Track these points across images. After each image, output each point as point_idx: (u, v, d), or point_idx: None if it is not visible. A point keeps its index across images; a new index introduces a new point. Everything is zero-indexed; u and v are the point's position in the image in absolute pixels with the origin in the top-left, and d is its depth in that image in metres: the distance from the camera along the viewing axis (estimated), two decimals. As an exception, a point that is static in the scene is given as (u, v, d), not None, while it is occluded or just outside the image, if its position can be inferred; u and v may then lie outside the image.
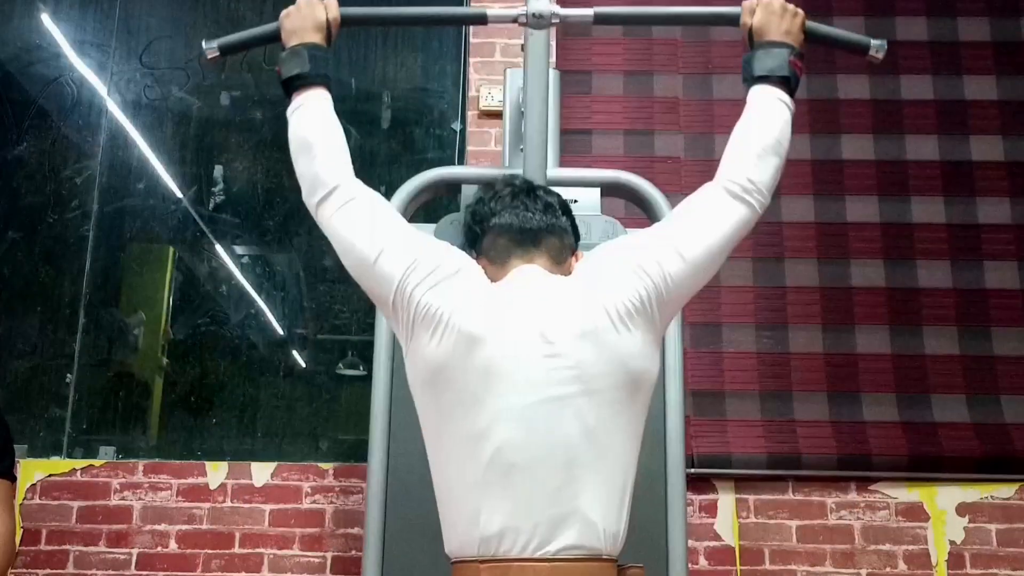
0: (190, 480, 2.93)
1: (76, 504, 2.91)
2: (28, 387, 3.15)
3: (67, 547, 2.87)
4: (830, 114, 3.21)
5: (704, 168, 3.13)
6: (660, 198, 2.39)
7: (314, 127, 1.55)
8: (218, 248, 3.32)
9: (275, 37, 1.68)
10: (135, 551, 2.87)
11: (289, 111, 1.60)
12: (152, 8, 3.51)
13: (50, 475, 2.94)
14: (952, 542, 2.86)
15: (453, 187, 2.45)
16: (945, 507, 2.88)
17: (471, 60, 3.30)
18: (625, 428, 1.35)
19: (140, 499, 2.92)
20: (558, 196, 1.55)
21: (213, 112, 3.43)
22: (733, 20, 1.69)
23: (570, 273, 1.48)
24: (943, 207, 3.14)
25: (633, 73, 3.26)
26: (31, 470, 2.94)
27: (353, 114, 3.41)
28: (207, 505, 2.91)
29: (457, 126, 3.34)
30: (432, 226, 2.33)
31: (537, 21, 1.93)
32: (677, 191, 3.08)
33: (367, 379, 2.63)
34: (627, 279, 1.38)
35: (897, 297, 3.05)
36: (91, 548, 2.87)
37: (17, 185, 3.35)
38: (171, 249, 3.32)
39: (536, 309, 1.36)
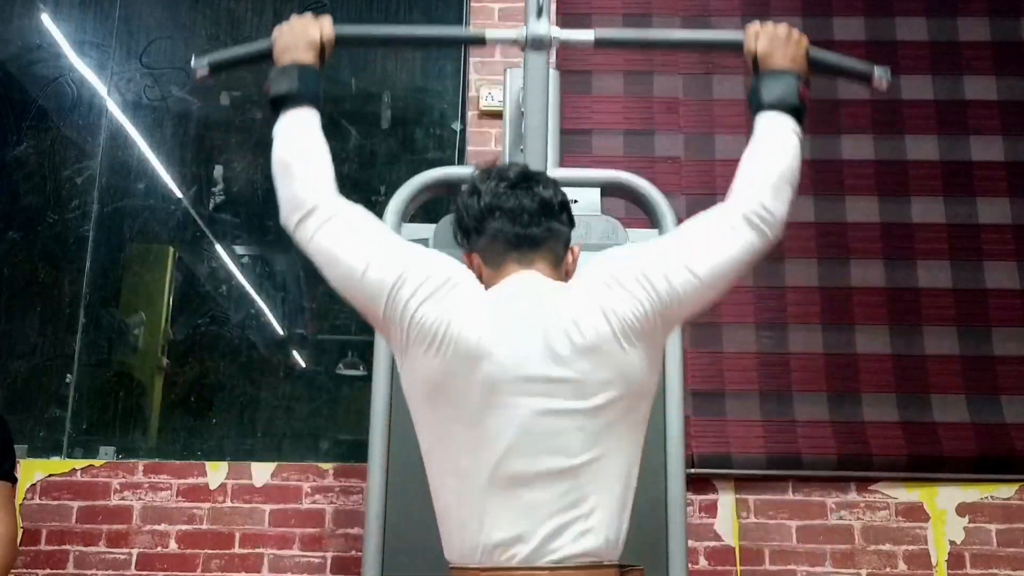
0: (190, 480, 2.93)
1: (76, 504, 2.91)
2: (28, 387, 3.15)
3: (67, 547, 2.87)
4: (830, 114, 3.21)
5: (704, 168, 3.15)
6: (660, 198, 2.39)
7: (295, 147, 1.51)
8: (218, 248, 3.32)
9: (267, 55, 1.65)
10: (135, 551, 2.87)
11: (275, 130, 1.55)
12: (152, 8, 3.51)
13: (50, 475, 2.94)
14: (952, 542, 2.86)
15: (453, 187, 2.45)
16: (945, 507, 2.88)
17: (471, 60, 3.30)
18: (626, 438, 1.34)
19: (140, 499, 2.92)
20: (554, 186, 1.47)
21: (213, 112, 3.43)
22: (736, 46, 1.68)
23: (568, 272, 1.46)
24: (943, 207, 3.13)
25: (633, 73, 3.26)
26: (31, 470, 2.94)
27: (353, 114, 3.41)
28: (207, 505, 2.91)
29: (457, 126, 3.34)
30: (432, 226, 2.33)
31: (537, 43, 1.92)
32: (677, 191, 3.08)
33: (367, 379, 2.63)
34: (633, 291, 1.35)
35: (897, 297, 3.05)
36: (91, 548, 2.87)
37: (17, 185, 3.35)
38: (171, 249, 3.32)
39: (537, 320, 1.33)
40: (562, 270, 1.45)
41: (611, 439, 1.31)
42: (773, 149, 1.50)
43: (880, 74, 1.73)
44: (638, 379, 1.34)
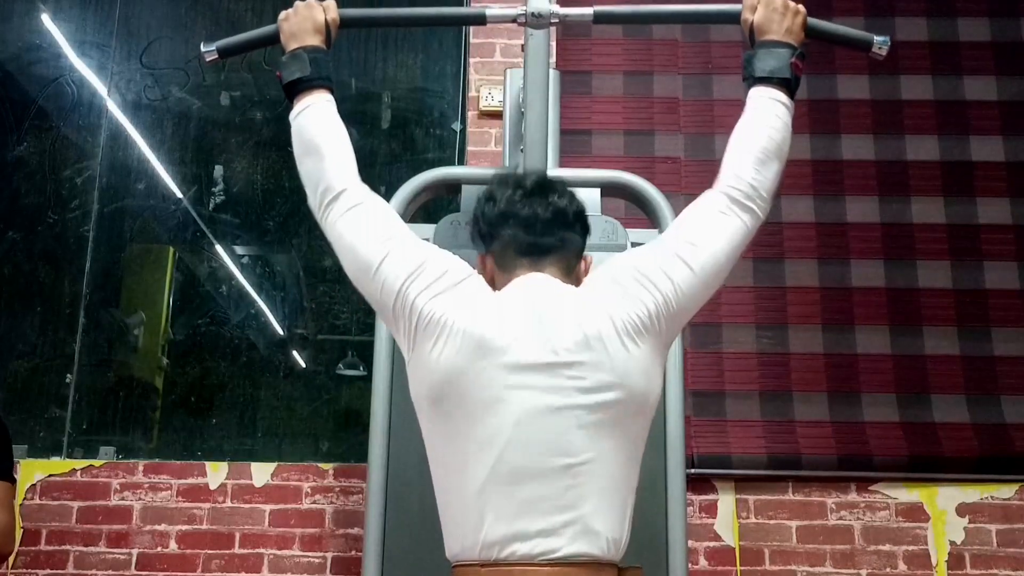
0: (190, 480, 2.93)
1: (76, 504, 2.91)
2: (28, 387, 3.15)
3: (67, 547, 2.87)
4: (830, 114, 3.21)
5: (704, 168, 3.14)
6: (660, 198, 2.39)
7: (320, 129, 1.53)
8: (218, 248, 3.32)
9: (274, 39, 1.67)
10: (135, 551, 2.87)
11: (293, 115, 1.56)
12: (152, 8, 3.51)
13: (50, 475, 2.94)
14: (952, 542, 2.86)
15: (453, 187, 2.45)
16: (945, 507, 2.88)
17: (471, 60, 3.30)
18: (628, 439, 1.34)
19: (140, 499, 2.92)
20: (570, 196, 1.48)
21: (213, 112, 3.43)
22: (734, 18, 1.66)
23: (579, 281, 1.46)
24: (943, 207, 3.13)
25: (633, 73, 3.26)
26: (31, 470, 2.94)
27: (353, 114, 3.41)
28: (207, 505, 2.91)
29: (457, 126, 3.34)
30: (432, 226, 2.33)
31: (536, 21, 1.92)
32: (677, 191, 3.08)
33: (367, 379, 2.63)
34: (635, 292, 1.36)
35: (897, 297, 3.05)
36: (91, 548, 2.87)
37: (17, 185, 3.35)
38: (171, 249, 3.33)
39: (542, 318, 1.34)
40: (573, 277, 1.46)
41: (611, 441, 1.31)
42: (762, 124, 1.50)
43: (880, 42, 1.72)
44: (640, 382, 1.34)
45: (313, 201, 1.50)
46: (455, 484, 1.33)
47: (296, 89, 1.56)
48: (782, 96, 1.53)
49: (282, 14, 1.64)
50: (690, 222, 1.45)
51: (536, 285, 1.40)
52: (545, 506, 1.27)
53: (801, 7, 1.60)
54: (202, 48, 1.78)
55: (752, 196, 1.44)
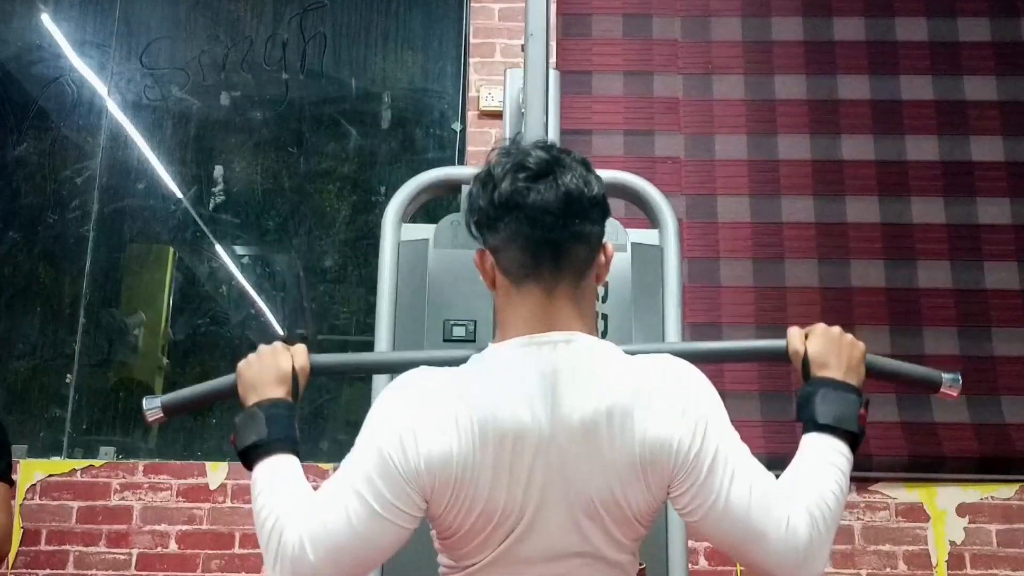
0: (190, 480, 2.93)
1: (76, 504, 2.91)
2: (28, 387, 3.15)
3: (67, 547, 2.87)
4: (830, 114, 3.21)
5: (704, 168, 3.15)
6: (660, 198, 2.39)
7: (268, 519, 1.21)
8: (218, 248, 3.32)
9: (231, 392, 1.41)
10: (135, 551, 2.87)
11: (252, 487, 1.27)
12: (152, 8, 3.51)
13: (50, 475, 2.94)
14: (952, 542, 2.86)
15: (453, 187, 2.45)
16: (945, 507, 2.88)
17: (471, 60, 3.30)
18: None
19: (140, 499, 2.92)
20: (583, 173, 1.23)
21: (213, 112, 3.43)
22: (779, 354, 1.43)
23: (599, 277, 1.27)
24: (943, 207, 3.14)
25: (633, 73, 3.26)
26: (31, 470, 2.94)
27: (353, 114, 3.41)
28: (207, 505, 2.91)
29: (457, 126, 3.34)
30: (432, 226, 2.33)
31: None
32: (677, 191, 3.08)
33: (367, 379, 2.62)
34: (653, 480, 1.17)
35: (897, 297, 3.05)
36: (91, 548, 2.87)
37: (17, 185, 3.35)
38: (171, 249, 3.32)
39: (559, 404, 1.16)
40: (591, 276, 1.25)
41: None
42: (826, 482, 1.25)
43: (949, 380, 1.44)
44: (645, 523, 1.23)
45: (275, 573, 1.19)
46: (455, 544, 1.23)
47: (250, 456, 1.29)
48: (847, 452, 1.28)
49: (242, 362, 1.38)
50: (744, 484, 1.21)
51: (551, 353, 1.19)
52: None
53: (859, 342, 1.37)
54: (144, 405, 1.46)
55: (799, 550, 1.18)
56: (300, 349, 1.40)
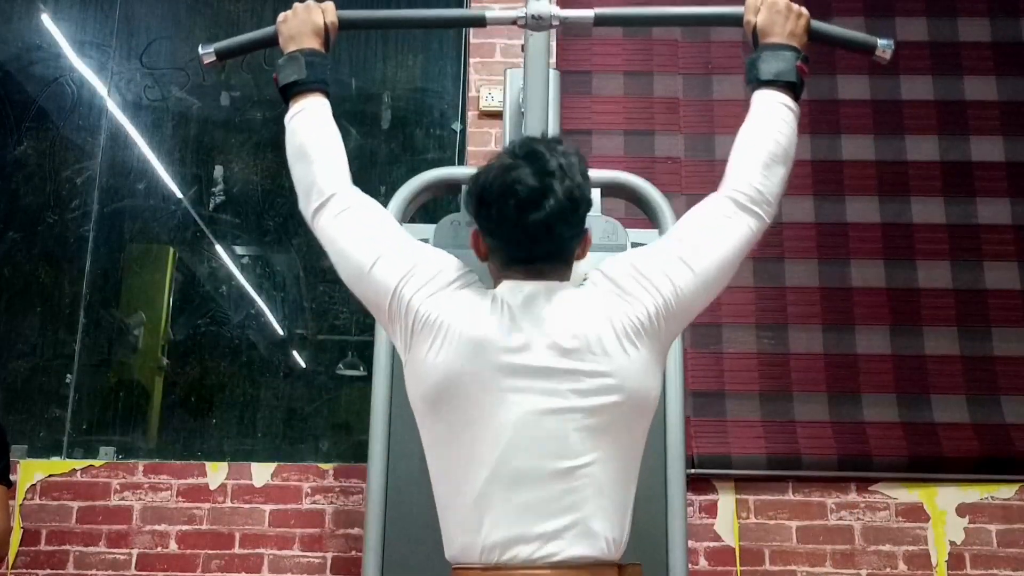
0: (190, 480, 2.93)
1: (76, 504, 2.91)
2: (28, 387, 3.15)
3: (67, 547, 2.87)
4: (830, 114, 3.21)
5: (704, 168, 3.15)
6: (660, 198, 2.39)
7: (312, 134, 1.51)
8: (218, 248, 3.32)
9: (273, 41, 1.65)
10: (135, 551, 2.87)
11: (287, 118, 1.55)
12: (152, 8, 3.51)
13: (50, 475, 2.94)
14: (952, 543, 2.86)
15: (453, 187, 2.45)
16: (945, 507, 2.88)
17: (471, 60, 3.30)
18: (627, 441, 1.33)
19: (140, 499, 2.92)
20: (569, 165, 1.37)
21: (213, 112, 3.43)
22: (736, 20, 1.65)
23: (579, 256, 1.43)
24: (943, 207, 3.14)
25: (633, 73, 3.26)
26: (31, 470, 2.94)
27: (353, 114, 3.41)
28: (207, 505, 2.91)
29: (457, 126, 3.34)
30: (432, 226, 2.33)
31: (537, 23, 1.91)
32: (677, 191, 3.08)
33: (367, 379, 2.63)
34: (635, 294, 1.34)
35: (897, 297, 3.05)
36: (91, 548, 2.87)
37: (17, 185, 3.35)
38: (171, 249, 3.33)
39: (541, 321, 1.32)
40: (571, 259, 1.42)
41: (610, 443, 1.31)
42: (765, 127, 1.49)
43: (883, 46, 1.70)
44: (639, 386, 1.33)
45: (304, 205, 1.48)
46: (453, 487, 1.32)
47: (291, 92, 1.55)
48: (788, 100, 1.52)
49: (280, 16, 1.62)
50: (693, 224, 1.43)
51: (534, 288, 1.37)
52: (545, 509, 1.26)
53: (804, 10, 1.59)
54: (200, 50, 1.75)
55: (758, 200, 1.44)
56: (329, 6, 1.63)
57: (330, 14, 1.63)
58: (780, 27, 1.56)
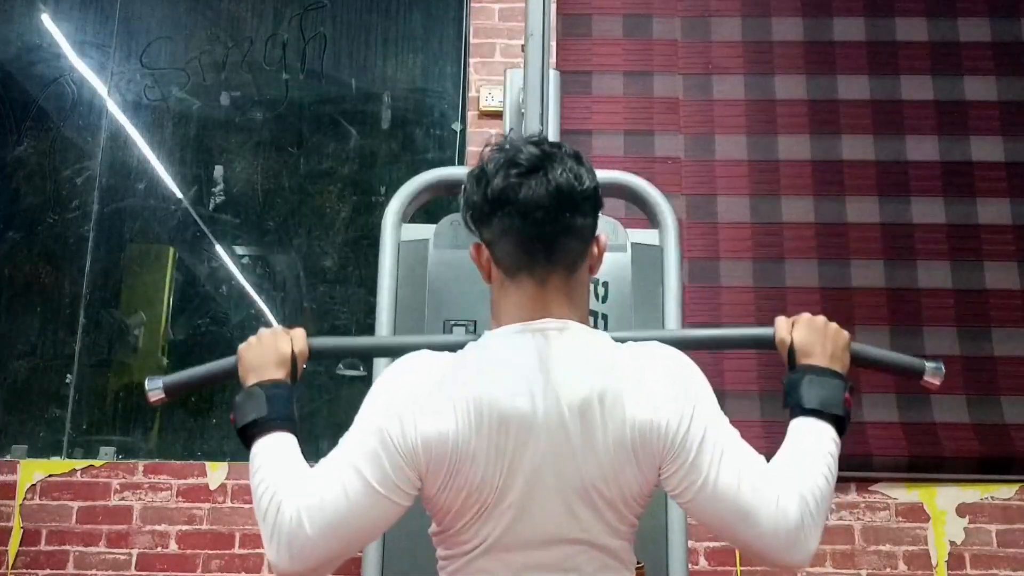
0: (190, 480, 2.93)
1: (76, 504, 2.91)
2: (28, 387, 3.15)
3: (67, 547, 2.87)
4: (830, 114, 3.21)
5: (704, 168, 3.15)
6: (660, 198, 2.39)
7: (267, 491, 1.25)
8: (218, 248, 3.32)
9: (232, 373, 1.45)
10: (135, 551, 2.87)
11: (250, 463, 1.31)
12: (152, 9, 3.51)
13: (50, 475, 2.94)
14: (952, 542, 2.86)
15: (453, 187, 2.45)
16: (945, 507, 2.88)
17: (471, 60, 3.30)
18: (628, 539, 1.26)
19: (140, 499, 2.92)
20: (574, 167, 1.25)
21: (213, 112, 3.43)
22: (768, 342, 1.48)
23: (592, 268, 1.30)
24: (943, 207, 3.14)
25: (633, 73, 3.26)
26: (31, 470, 2.94)
27: (353, 114, 3.41)
28: (207, 505, 2.91)
29: (457, 126, 3.34)
30: (432, 226, 2.33)
31: None
32: (677, 191, 3.08)
33: (367, 379, 2.63)
34: (646, 468, 1.19)
35: (897, 297, 3.05)
36: (91, 548, 2.87)
37: (17, 185, 3.36)
38: (171, 249, 3.33)
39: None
40: (584, 268, 1.28)
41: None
42: (814, 463, 1.29)
43: (932, 369, 1.51)
44: (641, 501, 1.24)
45: (276, 560, 1.20)
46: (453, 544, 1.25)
47: (249, 433, 1.33)
48: (834, 434, 1.33)
49: (243, 345, 1.42)
50: (734, 464, 1.21)
51: (544, 350, 1.22)
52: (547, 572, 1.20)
53: (842, 329, 1.42)
54: (147, 385, 1.49)
55: (789, 530, 1.20)
56: (299, 333, 1.44)
57: (299, 342, 1.43)
58: (821, 347, 1.40)
